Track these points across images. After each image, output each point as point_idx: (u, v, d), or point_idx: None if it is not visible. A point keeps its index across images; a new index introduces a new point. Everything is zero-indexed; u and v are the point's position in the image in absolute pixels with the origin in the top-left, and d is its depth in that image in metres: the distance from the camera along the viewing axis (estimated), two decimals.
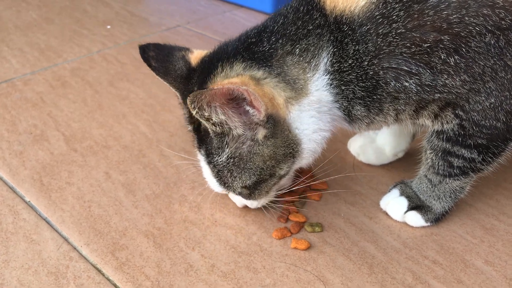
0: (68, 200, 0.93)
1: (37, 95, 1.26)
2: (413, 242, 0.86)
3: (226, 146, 0.75)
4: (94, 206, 0.92)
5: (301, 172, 0.94)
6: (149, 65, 0.82)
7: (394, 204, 0.90)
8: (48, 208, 0.91)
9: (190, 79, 0.80)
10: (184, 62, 0.81)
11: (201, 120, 0.72)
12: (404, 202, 0.89)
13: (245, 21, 1.77)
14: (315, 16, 0.74)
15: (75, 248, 0.83)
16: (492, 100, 0.72)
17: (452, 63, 0.69)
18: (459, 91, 0.72)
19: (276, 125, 0.74)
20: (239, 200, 0.87)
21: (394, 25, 0.69)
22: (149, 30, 1.67)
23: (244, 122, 0.72)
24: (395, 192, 0.91)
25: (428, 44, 0.69)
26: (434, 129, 0.81)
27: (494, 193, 0.97)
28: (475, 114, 0.74)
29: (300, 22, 0.75)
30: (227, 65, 0.75)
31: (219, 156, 0.77)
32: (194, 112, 0.69)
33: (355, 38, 0.71)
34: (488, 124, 0.75)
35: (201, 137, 0.79)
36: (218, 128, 0.73)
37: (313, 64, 0.74)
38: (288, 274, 0.79)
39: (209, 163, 0.79)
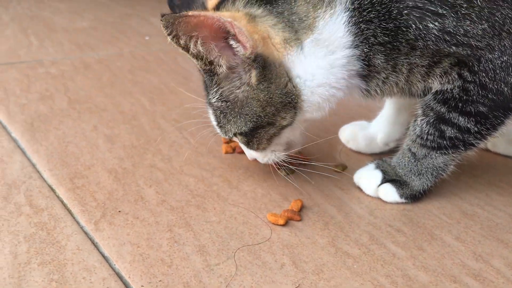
0: (49, 139, 0.95)
1: (59, 71, 1.34)
2: (380, 212, 0.80)
3: (216, 85, 0.74)
4: (71, 145, 0.94)
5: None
6: (173, 11, 0.84)
7: (367, 177, 0.85)
8: (28, 142, 0.93)
9: None
10: (203, 8, 0.79)
11: (179, 48, 0.70)
12: (378, 175, 0.84)
13: None
14: None
15: (38, 171, 0.84)
16: (505, 58, 0.70)
17: (477, 5, 0.67)
18: (476, 44, 0.69)
19: (268, 67, 0.71)
20: (248, 152, 0.83)
21: None
22: None
23: (228, 60, 0.70)
24: (371, 166, 0.86)
25: None
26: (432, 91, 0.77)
27: (485, 189, 0.89)
28: (483, 75, 0.71)
29: None
30: (229, 2, 0.74)
31: (211, 95, 0.76)
32: (168, 39, 0.67)
33: None
34: (495, 88, 0.71)
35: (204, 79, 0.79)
36: (205, 65, 0.72)
37: (326, 1, 0.70)
38: (236, 217, 0.76)
39: (207, 103, 0.79)
